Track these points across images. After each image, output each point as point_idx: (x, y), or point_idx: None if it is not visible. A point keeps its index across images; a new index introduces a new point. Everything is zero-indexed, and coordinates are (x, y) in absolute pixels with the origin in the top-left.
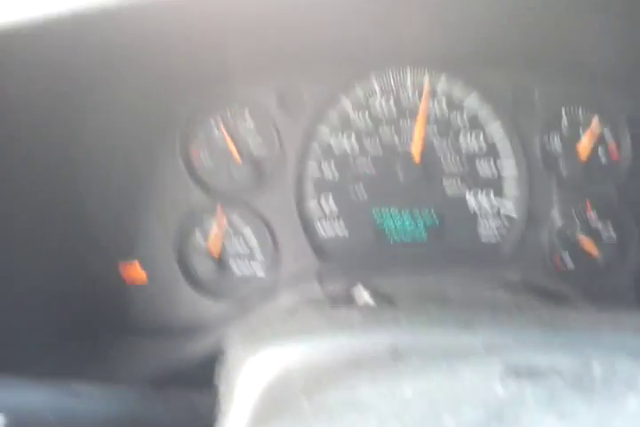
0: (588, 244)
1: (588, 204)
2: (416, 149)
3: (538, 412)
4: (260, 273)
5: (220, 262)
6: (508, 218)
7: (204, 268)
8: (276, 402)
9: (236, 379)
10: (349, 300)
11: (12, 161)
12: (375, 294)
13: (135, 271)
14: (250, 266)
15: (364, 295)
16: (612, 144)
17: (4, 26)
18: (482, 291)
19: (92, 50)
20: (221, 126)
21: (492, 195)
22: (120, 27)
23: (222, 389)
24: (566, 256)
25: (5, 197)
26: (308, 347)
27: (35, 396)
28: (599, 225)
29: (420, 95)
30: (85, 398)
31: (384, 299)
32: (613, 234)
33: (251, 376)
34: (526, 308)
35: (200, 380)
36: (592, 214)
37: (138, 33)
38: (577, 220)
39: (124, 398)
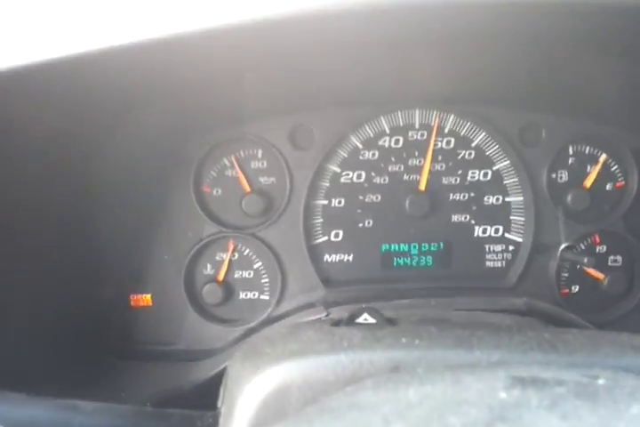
0: (592, 271)
1: (593, 230)
2: (424, 183)
3: (541, 414)
4: (265, 297)
5: (227, 289)
6: (514, 244)
7: (211, 295)
8: (275, 414)
9: (238, 397)
10: (351, 321)
11: (29, 193)
12: (376, 315)
13: (143, 300)
14: (255, 292)
15: (365, 316)
16: (618, 175)
17: (25, 65)
18: (484, 315)
19: (111, 90)
20: (234, 162)
21: (498, 223)
22: (138, 67)
23: (223, 407)
24: (572, 282)
25: (22, 228)
26: (308, 364)
27: (35, 409)
28: (604, 250)
29: (429, 134)
30: (85, 413)
31: (385, 320)
32: (619, 258)
33: (252, 394)
34: (528, 328)
35: (203, 403)
36: (597, 241)
37: (156, 74)
38: (582, 246)
39: (125, 414)
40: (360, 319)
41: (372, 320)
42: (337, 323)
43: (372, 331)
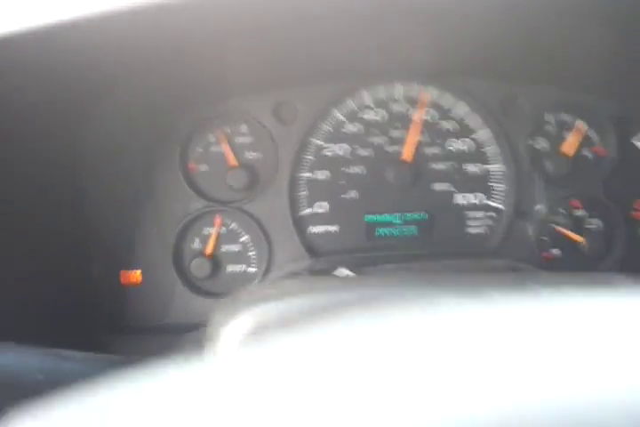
0: (574, 236)
1: (574, 197)
2: (408, 154)
3: None
4: (253, 270)
5: (215, 262)
6: (496, 210)
7: (199, 269)
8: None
9: (218, 340)
10: (328, 271)
11: (15, 168)
12: (353, 268)
13: (133, 275)
14: (243, 264)
15: (345, 272)
16: (597, 142)
17: (8, 34)
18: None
19: (91, 65)
20: (220, 137)
21: (479, 190)
22: (117, 40)
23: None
24: (553, 245)
25: (8, 204)
26: (285, 306)
27: (25, 357)
28: (585, 218)
29: (411, 106)
30: (74, 361)
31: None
32: (599, 222)
33: (230, 335)
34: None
35: None
36: (578, 207)
37: (136, 48)
38: (563, 211)
39: (113, 362)
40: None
41: (348, 272)
42: (314, 274)
43: (346, 278)
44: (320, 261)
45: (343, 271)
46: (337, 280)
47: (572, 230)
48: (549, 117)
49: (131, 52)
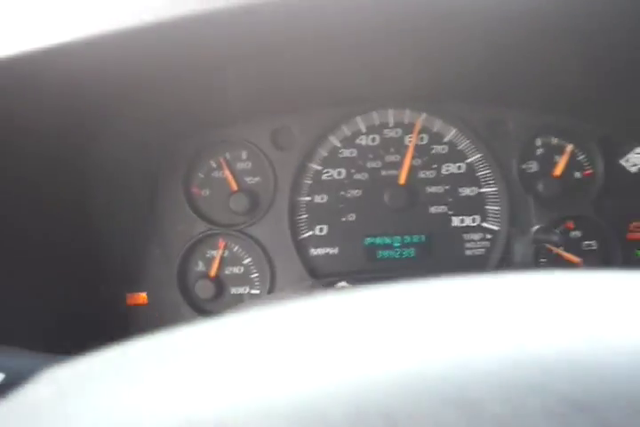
0: (568, 254)
1: (566, 216)
2: (403, 178)
3: None
4: (255, 291)
5: (218, 284)
6: (491, 232)
7: (203, 290)
8: None
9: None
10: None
11: (21, 190)
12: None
13: (139, 297)
14: (246, 286)
15: (342, 285)
16: (585, 164)
17: (21, 53)
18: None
19: (93, 93)
20: (221, 163)
21: (475, 212)
22: (125, 66)
23: None
24: (549, 266)
25: (14, 226)
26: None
27: (32, 360)
28: (578, 235)
29: (404, 131)
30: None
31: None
32: (593, 243)
33: None
34: None
35: None
36: (571, 226)
37: (142, 74)
38: (558, 232)
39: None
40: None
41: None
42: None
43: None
44: (320, 283)
45: (344, 285)
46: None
47: (567, 251)
48: (539, 141)
49: (133, 79)
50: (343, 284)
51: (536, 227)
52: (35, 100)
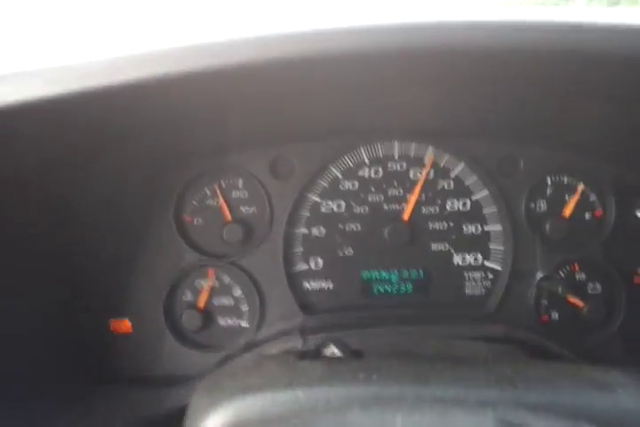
0: (573, 298)
1: (572, 259)
2: (406, 214)
3: None
4: (244, 324)
5: (207, 317)
6: (493, 271)
7: (191, 322)
8: None
9: None
10: (317, 353)
11: (10, 220)
12: (342, 347)
13: (123, 324)
14: (236, 320)
15: (333, 349)
16: (596, 205)
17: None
18: (459, 345)
19: (93, 124)
20: (216, 191)
21: (477, 250)
22: (119, 101)
23: None
24: (552, 309)
25: (2, 254)
26: (264, 400)
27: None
28: (584, 277)
29: (408, 165)
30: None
31: (351, 352)
32: (599, 286)
33: None
34: (495, 361)
35: None
36: (576, 269)
37: (137, 107)
38: (562, 273)
39: None
40: (327, 351)
41: (338, 353)
42: (303, 355)
43: (332, 365)
44: (312, 319)
45: (333, 349)
46: (323, 370)
47: (571, 294)
48: (549, 180)
49: (129, 110)
50: (333, 349)
51: (540, 275)
52: (31, 142)
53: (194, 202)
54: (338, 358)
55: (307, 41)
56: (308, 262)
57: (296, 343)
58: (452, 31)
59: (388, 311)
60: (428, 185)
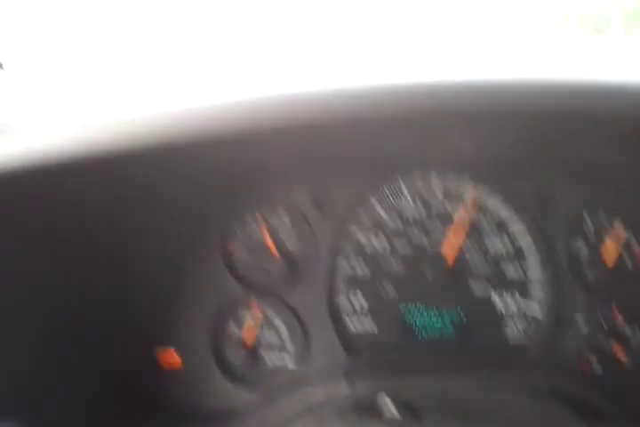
0: (616, 349)
1: (615, 308)
2: (450, 253)
3: None
4: (291, 365)
5: (253, 352)
6: (535, 320)
7: (236, 357)
8: None
9: None
10: (374, 408)
11: (68, 258)
12: (398, 403)
13: (171, 357)
14: (281, 357)
15: (388, 404)
16: (636, 249)
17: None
18: (507, 400)
19: (140, 179)
20: (260, 225)
21: (518, 296)
22: (166, 158)
23: None
24: (594, 361)
25: (59, 286)
26: None
27: None
28: (627, 330)
29: (450, 203)
30: None
31: (408, 410)
32: (638, 331)
33: None
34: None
35: None
36: (620, 319)
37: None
38: (604, 324)
39: None
40: (380, 402)
41: (391, 406)
42: (357, 406)
43: None
44: (355, 359)
45: (386, 400)
46: None
47: (613, 343)
48: (586, 215)
49: (176, 163)
50: (385, 400)
51: (582, 316)
52: (90, 196)
53: (240, 235)
54: (397, 421)
55: (365, 97)
56: (351, 303)
57: (343, 386)
58: (501, 93)
59: (432, 355)
60: (472, 227)
